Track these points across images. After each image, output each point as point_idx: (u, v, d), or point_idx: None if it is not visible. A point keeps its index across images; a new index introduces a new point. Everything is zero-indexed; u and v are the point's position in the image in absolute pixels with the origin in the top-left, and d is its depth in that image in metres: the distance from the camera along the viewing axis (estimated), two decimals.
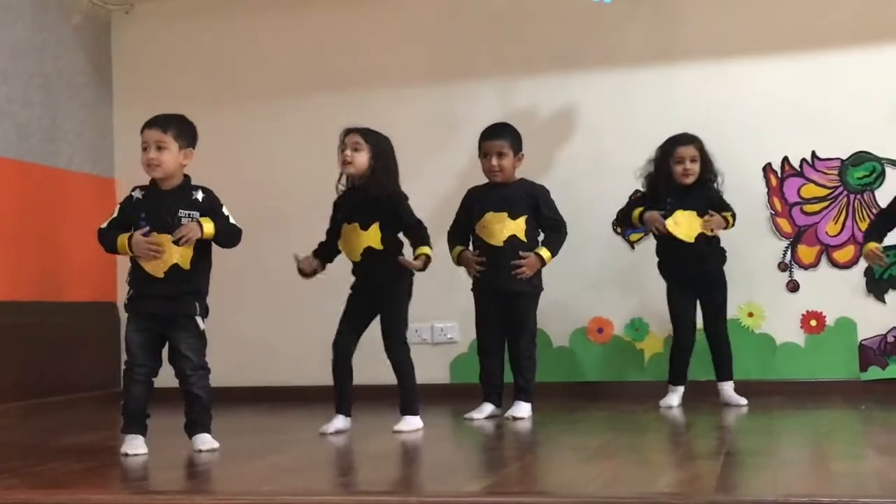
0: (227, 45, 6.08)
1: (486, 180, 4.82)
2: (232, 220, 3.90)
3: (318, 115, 5.82)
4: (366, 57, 5.88)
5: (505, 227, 4.71)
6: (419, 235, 4.33)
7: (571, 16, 5.59)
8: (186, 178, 3.88)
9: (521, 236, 4.72)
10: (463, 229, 4.85)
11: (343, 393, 4.29)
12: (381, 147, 4.31)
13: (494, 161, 4.73)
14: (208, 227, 3.78)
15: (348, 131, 4.31)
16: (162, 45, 6.15)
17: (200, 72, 6.09)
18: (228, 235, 3.89)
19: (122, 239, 3.78)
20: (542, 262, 4.73)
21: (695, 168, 4.95)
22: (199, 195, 3.86)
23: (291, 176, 5.88)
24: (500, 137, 4.76)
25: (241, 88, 6.04)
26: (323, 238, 4.45)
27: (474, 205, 4.80)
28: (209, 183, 3.94)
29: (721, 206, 4.97)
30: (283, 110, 5.97)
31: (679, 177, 4.95)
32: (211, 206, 3.85)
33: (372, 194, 4.27)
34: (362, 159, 4.26)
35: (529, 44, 5.68)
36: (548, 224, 4.81)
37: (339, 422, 4.25)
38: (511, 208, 4.72)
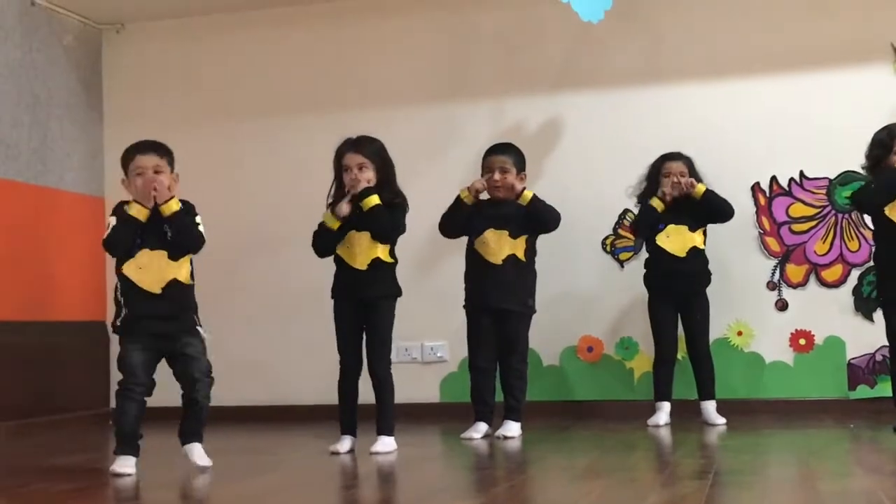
0: (219, 64, 6.09)
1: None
2: (201, 228, 3.87)
3: (310, 135, 5.83)
4: (358, 76, 5.89)
5: (505, 246, 4.72)
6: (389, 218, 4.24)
7: (564, 36, 5.61)
8: None
9: (521, 255, 4.73)
10: None
11: (353, 412, 4.27)
12: (380, 157, 4.30)
13: (497, 175, 4.74)
14: (175, 204, 3.78)
15: (345, 152, 4.27)
16: (153, 64, 6.16)
17: (192, 91, 6.10)
18: (187, 229, 3.81)
19: (134, 206, 3.77)
20: (521, 191, 4.69)
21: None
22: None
23: (283, 196, 5.88)
24: (503, 153, 4.80)
25: (233, 108, 6.04)
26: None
27: (472, 217, 4.78)
28: (200, 202, 3.94)
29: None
30: (274, 130, 5.98)
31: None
32: (188, 210, 3.87)
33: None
34: (369, 177, 4.25)
35: (522, 63, 5.70)
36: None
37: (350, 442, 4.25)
38: (512, 227, 4.73)
